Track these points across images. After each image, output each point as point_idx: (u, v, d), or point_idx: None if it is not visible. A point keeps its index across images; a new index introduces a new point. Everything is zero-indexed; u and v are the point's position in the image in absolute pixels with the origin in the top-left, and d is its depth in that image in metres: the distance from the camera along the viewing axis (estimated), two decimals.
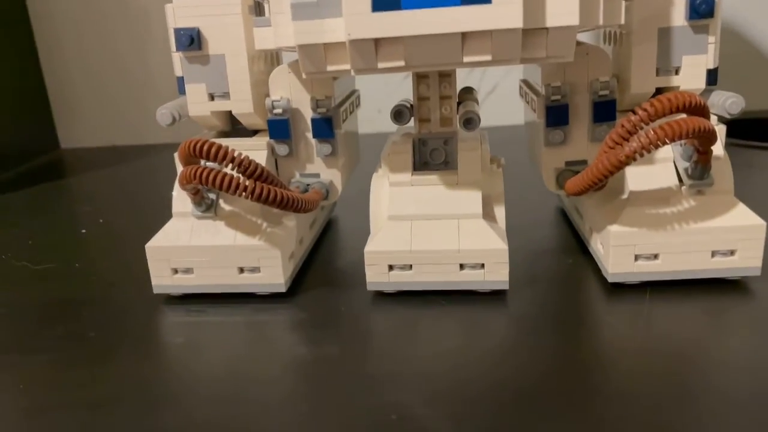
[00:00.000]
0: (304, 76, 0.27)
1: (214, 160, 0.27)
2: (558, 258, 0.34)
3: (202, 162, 0.29)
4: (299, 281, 0.33)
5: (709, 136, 0.26)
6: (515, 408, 0.22)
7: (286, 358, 0.26)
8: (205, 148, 0.27)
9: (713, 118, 0.30)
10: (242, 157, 0.28)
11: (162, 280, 0.31)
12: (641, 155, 0.25)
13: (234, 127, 0.35)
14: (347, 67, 0.26)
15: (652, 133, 0.25)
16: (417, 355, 0.26)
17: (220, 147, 0.27)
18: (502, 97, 0.64)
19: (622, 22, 0.26)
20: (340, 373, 0.25)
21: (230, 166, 0.28)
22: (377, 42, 0.25)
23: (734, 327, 0.27)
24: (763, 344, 0.25)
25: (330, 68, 0.26)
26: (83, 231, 0.43)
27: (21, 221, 0.47)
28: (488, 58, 0.25)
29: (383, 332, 0.28)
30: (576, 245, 0.35)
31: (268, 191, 0.28)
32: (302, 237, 0.35)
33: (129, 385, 0.25)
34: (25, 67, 0.67)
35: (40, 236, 0.43)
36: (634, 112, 0.26)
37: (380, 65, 0.25)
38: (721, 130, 0.30)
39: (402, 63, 0.25)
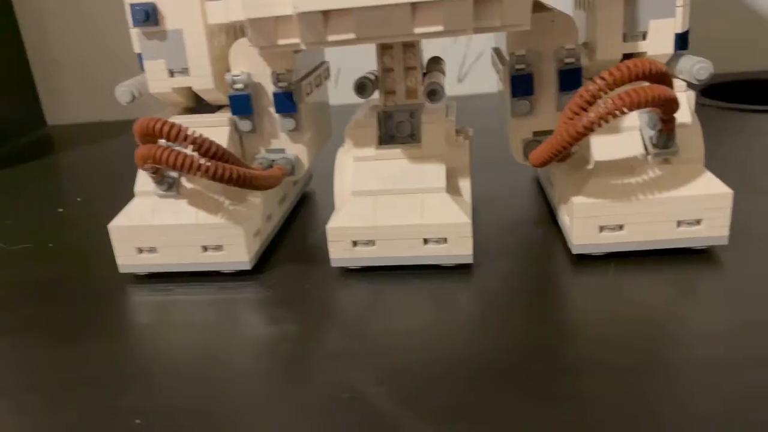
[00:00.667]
0: (258, 51, 0.27)
1: (170, 139, 0.27)
2: (528, 228, 0.34)
3: (162, 141, 0.29)
4: (267, 257, 0.33)
5: (671, 104, 0.25)
6: (474, 385, 0.22)
7: (247, 338, 0.26)
8: (159, 127, 0.27)
9: (681, 84, 0.29)
10: (198, 136, 0.27)
11: (127, 259, 0.31)
12: (599, 125, 0.25)
13: (199, 102, 0.34)
14: (298, 40, 0.25)
15: (610, 102, 0.24)
16: (377, 332, 0.26)
17: (173, 126, 0.27)
18: (489, 64, 0.63)
19: None
20: (298, 352, 0.25)
21: (187, 144, 0.27)
22: (326, 14, 0.24)
23: (702, 296, 0.27)
24: (730, 312, 0.25)
25: (281, 42, 0.26)
26: (60, 210, 0.43)
27: (2, 201, 0.47)
28: (440, 28, 0.24)
29: (345, 309, 0.28)
30: (547, 215, 0.35)
31: (224, 170, 0.27)
32: (270, 213, 0.34)
33: (95, 366, 0.25)
34: (7, 44, 0.66)
35: (19, 216, 0.43)
36: (593, 81, 0.25)
37: (330, 38, 0.25)
38: (690, 97, 0.30)
39: (353, 35, 0.24)
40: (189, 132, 0.27)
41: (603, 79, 0.25)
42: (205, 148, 0.27)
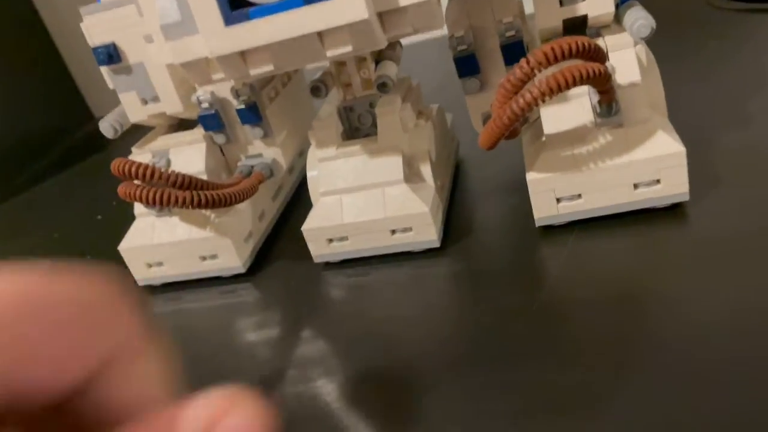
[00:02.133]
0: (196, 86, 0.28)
1: (143, 179, 0.30)
2: (506, 195, 0.34)
3: None
4: (265, 253, 0.36)
5: (598, 80, 0.25)
6: (441, 376, 0.24)
7: (231, 346, 0.30)
8: (131, 169, 0.30)
9: (629, 40, 0.28)
10: (168, 171, 0.30)
11: (141, 274, 0.35)
12: (523, 114, 0.25)
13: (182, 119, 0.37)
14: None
15: (528, 95, 0.24)
16: (347, 330, 0.28)
17: (141, 166, 0.29)
18: None
19: None
20: (274, 357, 0.28)
21: (160, 181, 0.30)
22: (243, 53, 0.25)
23: (671, 253, 0.27)
24: (702, 266, 0.26)
25: (215, 77, 0.27)
26: (99, 217, 0.48)
27: (53, 211, 0.52)
28: (349, 48, 0.25)
29: (322, 307, 0.31)
30: (523, 182, 0.35)
31: (199, 198, 0.30)
32: (263, 210, 0.37)
33: None
34: (41, 50, 0.70)
35: (65, 226, 0.48)
36: (515, 68, 0.25)
37: (252, 72, 0.26)
38: (639, 51, 0.28)
39: (271, 67, 0.26)
40: (159, 168, 0.30)
41: (522, 67, 0.25)
42: (176, 181, 0.30)
